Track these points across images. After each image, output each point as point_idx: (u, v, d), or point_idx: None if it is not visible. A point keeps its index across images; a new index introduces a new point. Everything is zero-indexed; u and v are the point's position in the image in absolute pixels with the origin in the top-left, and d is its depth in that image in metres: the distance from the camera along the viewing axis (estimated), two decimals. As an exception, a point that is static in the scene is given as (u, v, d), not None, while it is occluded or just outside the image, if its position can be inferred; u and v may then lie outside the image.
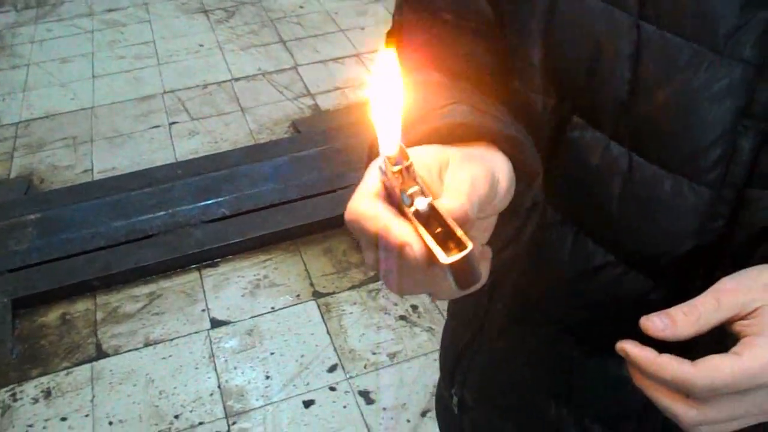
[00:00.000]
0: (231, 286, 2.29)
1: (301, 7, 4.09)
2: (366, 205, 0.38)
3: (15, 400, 1.97)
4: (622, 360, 0.49)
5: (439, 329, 2.05)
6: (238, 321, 2.17)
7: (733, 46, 0.45)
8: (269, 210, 2.48)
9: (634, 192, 0.52)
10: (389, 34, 0.64)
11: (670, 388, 0.46)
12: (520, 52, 0.56)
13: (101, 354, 2.09)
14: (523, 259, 0.62)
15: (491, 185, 0.40)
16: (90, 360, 2.08)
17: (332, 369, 2.00)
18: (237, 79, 3.42)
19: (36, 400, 1.97)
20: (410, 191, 0.38)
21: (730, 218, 0.50)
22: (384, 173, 0.39)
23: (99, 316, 2.21)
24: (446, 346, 0.83)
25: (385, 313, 2.15)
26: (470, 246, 0.36)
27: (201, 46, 3.74)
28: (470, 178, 0.39)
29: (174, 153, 2.92)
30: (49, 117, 3.22)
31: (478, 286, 0.40)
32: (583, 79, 0.52)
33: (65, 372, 2.04)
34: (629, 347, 0.48)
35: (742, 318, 0.46)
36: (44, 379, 2.02)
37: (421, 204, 0.38)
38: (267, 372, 2.01)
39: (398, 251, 0.37)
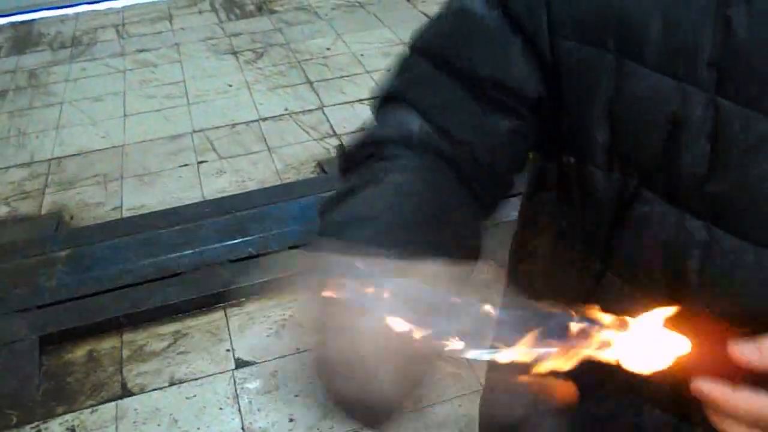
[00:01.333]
0: (256, 326, 2.29)
1: (328, 49, 4.16)
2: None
3: (40, 438, 1.98)
4: (698, 427, 0.48)
5: (465, 374, 2.03)
6: (263, 362, 2.16)
7: None
8: (295, 250, 2.49)
9: (714, 264, 0.51)
10: (387, 90, 0.61)
11: (749, 424, 0.45)
12: (579, 130, 0.55)
13: (126, 392, 2.09)
14: None
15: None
16: (115, 398, 2.08)
17: (357, 413, 1.98)
18: (264, 119, 3.47)
19: (61, 438, 1.97)
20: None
21: None
22: None
23: (125, 353, 2.22)
24: (492, 422, 0.80)
25: (410, 357, 2.14)
26: None
27: (230, 86, 3.81)
28: None
29: (202, 191, 2.96)
30: (81, 154, 3.29)
31: None
32: (656, 156, 0.51)
33: (90, 410, 2.05)
34: (704, 386, 0.47)
35: None
36: (69, 417, 2.03)
37: None
38: (291, 415, 2.00)
39: None
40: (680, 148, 0.50)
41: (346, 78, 3.81)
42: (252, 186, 2.96)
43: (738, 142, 0.48)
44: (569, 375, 0.67)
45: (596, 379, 0.64)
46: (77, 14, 4.92)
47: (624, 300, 0.59)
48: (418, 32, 0.62)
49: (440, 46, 0.60)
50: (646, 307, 0.58)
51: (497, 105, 0.57)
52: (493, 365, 0.78)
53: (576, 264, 0.60)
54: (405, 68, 0.62)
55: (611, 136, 0.54)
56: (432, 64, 0.59)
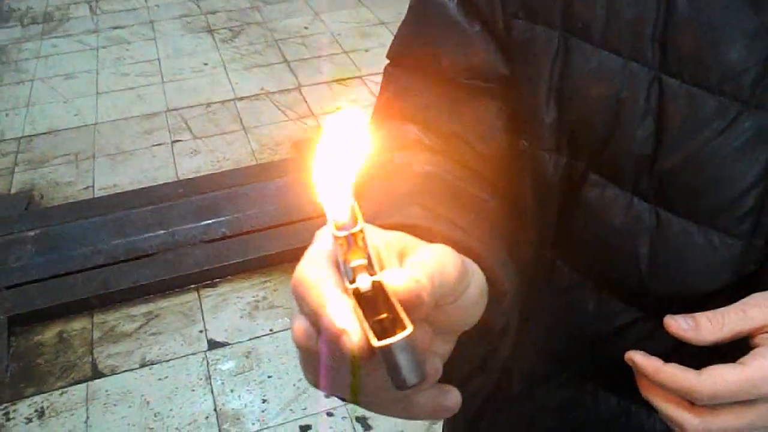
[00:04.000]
0: (229, 307, 2.27)
1: (306, 28, 4.11)
2: (312, 271, 0.33)
3: (8, 420, 1.95)
4: (653, 412, 0.48)
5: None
6: (236, 343, 2.15)
7: (759, 96, 0.45)
8: (269, 231, 2.47)
9: (663, 248, 0.51)
10: (378, 108, 0.61)
11: (676, 396, 0.47)
12: (530, 110, 0.55)
13: (97, 374, 2.07)
14: (543, 320, 0.61)
15: (461, 275, 0.34)
16: (85, 380, 2.05)
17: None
18: (240, 99, 3.43)
19: (29, 420, 1.95)
20: (354, 264, 0.32)
21: (761, 264, 0.50)
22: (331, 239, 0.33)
23: (96, 335, 2.20)
24: (452, 419, 0.80)
25: (384, 338, 2.14)
26: (410, 328, 0.30)
27: (205, 64, 3.76)
28: (437, 259, 0.33)
29: (176, 171, 2.92)
30: (52, 133, 3.22)
31: (431, 375, 0.34)
32: (602, 136, 0.51)
33: (60, 392, 2.02)
34: (636, 356, 0.49)
35: (766, 332, 0.46)
36: (38, 398, 2.00)
37: (363, 282, 0.31)
38: (264, 395, 1.99)
39: (333, 338, 0.31)
40: (626, 127, 0.50)
41: (323, 58, 3.77)
42: (227, 166, 2.93)
43: (683, 120, 0.47)
44: (521, 362, 0.67)
45: (554, 367, 0.64)
46: (49, -11, 4.80)
47: (574, 289, 0.58)
48: (393, 40, 0.63)
49: (409, 49, 0.61)
50: (597, 298, 0.57)
51: (472, 90, 0.57)
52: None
53: (529, 252, 0.59)
54: (387, 82, 0.62)
55: (558, 116, 0.53)
56: (408, 70, 0.60)
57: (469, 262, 0.38)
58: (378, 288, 0.32)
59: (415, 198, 0.47)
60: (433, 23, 0.59)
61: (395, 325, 0.31)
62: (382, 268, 0.33)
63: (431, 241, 0.37)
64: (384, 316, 0.31)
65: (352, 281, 0.32)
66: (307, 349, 0.34)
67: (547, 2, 0.52)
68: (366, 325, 0.30)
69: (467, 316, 0.38)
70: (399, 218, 0.42)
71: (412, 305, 0.31)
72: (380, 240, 0.35)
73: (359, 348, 0.30)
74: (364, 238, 0.32)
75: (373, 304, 0.31)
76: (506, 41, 0.55)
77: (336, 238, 0.32)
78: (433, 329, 0.34)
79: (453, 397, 0.36)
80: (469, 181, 0.54)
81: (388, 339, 0.30)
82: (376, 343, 0.30)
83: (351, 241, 0.32)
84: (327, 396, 0.43)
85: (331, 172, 0.32)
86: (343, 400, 0.39)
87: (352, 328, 0.30)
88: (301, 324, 0.33)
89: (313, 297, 0.32)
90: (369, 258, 0.32)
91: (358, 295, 0.32)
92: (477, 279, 0.38)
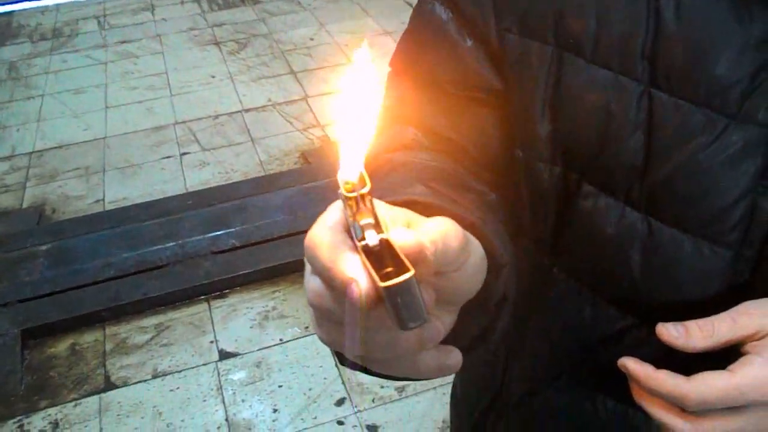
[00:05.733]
0: (239, 318, 2.29)
1: (312, 39, 4.14)
2: (322, 233, 0.35)
3: (22, 432, 1.97)
4: (650, 418, 0.50)
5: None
6: (247, 353, 2.17)
7: (746, 110, 0.46)
8: (278, 241, 2.49)
9: (655, 257, 0.52)
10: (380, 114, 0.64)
11: (666, 401, 0.48)
12: (524, 122, 0.56)
13: (109, 385, 2.09)
14: (540, 327, 0.62)
15: (463, 244, 0.37)
16: (98, 391, 2.07)
17: (340, 402, 1.99)
18: (247, 110, 3.46)
19: (43, 432, 1.97)
20: (363, 222, 0.34)
21: (751, 273, 0.50)
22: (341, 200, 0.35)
23: (108, 347, 2.22)
24: (460, 413, 0.82)
25: (394, 346, 2.14)
26: (412, 271, 0.33)
27: (213, 77, 3.79)
28: (442, 227, 0.36)
29: (185, 183, 2.95)
30: (62, 147, 3.26)
31: (431, 338, 0.36)
32: (594, 147, 0.52)
33: (73, 403, 2.04)
34: (629, 363, 0.50)
35: (756, 340, 0.47)
36: (52, 411, 2.02)
37: (371, 238, 0.34)
38: (275, 405, 2.00)
39: (342, 289, 0.33)
40: (617, 139, 0.51)
41: (329, 68, 3.79)
42: (235, 177, 2.95)
43: (672, 133, 0.49)
44: (520, 368, 0.68)
45: (552, 372, 0.65)
46: (58, 5, 4.87)
47: (570, 296, 0.59)
48: (395, 50, 0.65)
49: (408, 60, 0.63)
50: (593, 305, 0.59)
51: (469, 101, 0.59)
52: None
53: (525, 260, 0.60)
54: (389, 88, 0.64)
55: (552, 128, 0.55)
56: (407, 80, 0.62)
57: (469, 235, 0.40)
58: (385, 244, 0.34)
59: (418, 179, 0.49)
60: (429, 36, 0.60)
61: (399, 275, 0.33)
62: (387, 231, 0.35)
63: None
64: (390, 270, 0.33)
65: (361, 239, 0.34)
66: (319, 307, 0.36)
67: (540, 18, 0.53)
68: (373, 273, 0.33)
69: (469, 285, 0.40)
70: (403, 196, 0.44)
71: (415, 261, 0.33)
72: (386, 213, 0.37)
73: (367, 294, 0.32)
74: (371, 200, 0.35)
75: (380, 259, 0.34)
76: (500, 56, 0.57)
77: (346, 198, 0.34)
78: (437, 298, 0.36)
79: (455, 357, 0.39)
80: (469, 176, 0.56)
81: (391, 280, 0.32)
82: (381, 284, 0.32)
83: (360, 202, 0.34)
84: (342, 363, 0.45)
85: (344, 138, 0.35)
86: (355, 367, 0.41)
87: (360, 277, 0.33)
88: (313, 283, 0.36)
89: (324, 254, 0.34)
90: (376, 218, 0.35)
91: (367, 251, 0.34)
92: (477, 251, 0.40)
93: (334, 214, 0.36)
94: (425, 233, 0.34)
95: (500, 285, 0.47)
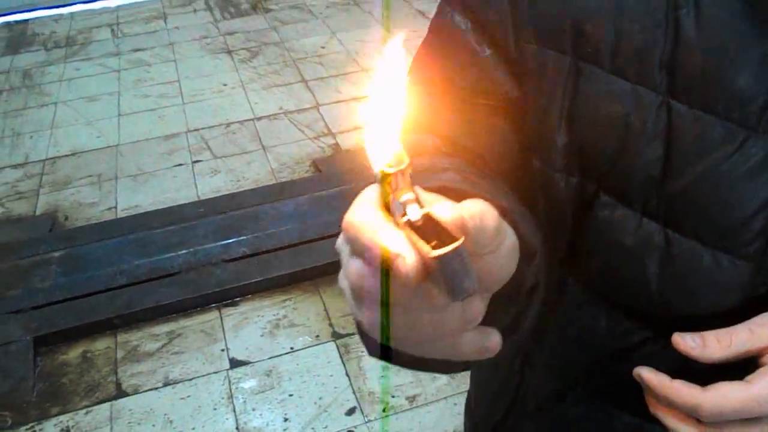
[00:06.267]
0: (250, 326, 2.29)
1: (323, 47, 4.16)
2: (362, 213, 0.35)
3: (34, 439, 1.98)
4: (666, 430, 0.49)
5: (460, 374, 2.03)
6: (258, 361, 2.17)
7: (766, 122, 0.46)
8: (289, 250, 2.49)
9: (672, 268, 0.52)
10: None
11: (682, 412, 0.47)
12: (542, 132, 0.56)
13: (121, 393, 2.09)
14: (555, 338, 0.62)
15: (499, 225, 0.36)
16: (109, 399, 2.08)
17: (351, 412, 1.99)
18: (259, 118, 3.47)
19: (55, 439, 1.97)
20: (404, 198, 0.34)
21: None
22: (378, 179, 0.35)
23: (119, 354, 2.22)
24: (474, 424, 0.81)
25: (405, 355, 2.14)
26: (462, 239, 0.32)
27: (224, 85, 3.81)
28: (477, 207, 0.35)
29: (196, 191, 2.96)
30: (75, 155, 3.28)
31: (473, 317, 0.36)
32: (611, 158, 0.52)
33: (84, 411, 2.05)
34: (644, 372, 0.50)
35: None
36: (63, 418, 2.03)
37: (414, 213, 0.34)
38: (285, 414, 2.00)
39: (388, 266, 0.33)
40: (635, 149, 0.51)
41: (341, 76, 3.80)
42: (247, 185, 2.96)
43: (691, 144, 0.48)
44: (535, 379, 0.67)
45: (567, 384, 0.64)
46: (72, 14, 4.91)
47: (586, 306, 0.59)
48: (413, 57, 0.65)
49: (427, 69, 0.63)
50: (608, 316, 0.58)
51: (487, 110, 0.59)
52: (478, 369, 0.79)
53: None
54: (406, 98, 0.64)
55: (569, 138, 0.54)
56: (426, 88, 0.62)
57: (502, 219, 0.40)
58: (427, 219, 0.34)
59: (449, 169, 0.49)
60: (448, 45, 0.60)
61: (445, 246, 0.33)
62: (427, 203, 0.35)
63: None
64: (434, 243, 0.33)
65: (403, 215, 0.34)
66: (362, 289, 0.36)
67: (558, 28, 0.53)
68: (423, 244, 0.32)
69: (503, 270, 0.39)
70: (435, 182, 0.44)
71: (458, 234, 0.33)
72: (421, 197, 0.37)
73: (414, 268, 0.32)
74: (411, 175, 0.35)
75: (424, 234, 0.33)
76: (518, 65, 0.57)
77: (386, 175, 0.34)
78: None
79: (494, 338, 0.39)
80: (491, 177, 0.55)
81: (443, 249, 0.32)
82: (433, 253, 0.32)
83: (400, 178, 0.34)
84: (371, 353, 0.45)
85: (379, 117, 0.35)
86: (384, 358, 0.41)
87: (406, 251, 0.32)
88: (353, 264, 0.35)
89: (366, 233, 0.34)
90: (416, 194, 0.35)
91: (410, 226, 0.34)
92: (510, 235, 0.40)
93: (369, 195, 0.36)
94: (464, 210, 0.34)
95: (531, 272, 0.47)
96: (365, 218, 0.34)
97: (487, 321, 0.39)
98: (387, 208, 0.35)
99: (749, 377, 0.46)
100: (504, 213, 0.42)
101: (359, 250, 0.34)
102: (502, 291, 0.41)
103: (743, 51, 0.45)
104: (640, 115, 0.50)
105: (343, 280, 0.38)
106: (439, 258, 0.32)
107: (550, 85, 0.54)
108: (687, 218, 0.51)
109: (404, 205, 0.34)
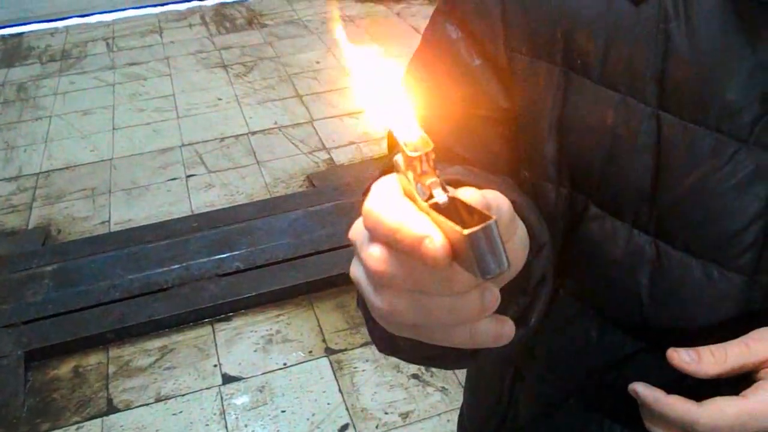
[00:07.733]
0: (243, 341, 2.28)
1: (318, 62, 4.18)
2: (382, 199, 0.34)
3: (24, 455, 1.96)
4: None
5: (453, 389, 2.03)
6: (250, 377, 2.16)
7: (757, 134, 0.46)
8: (283, 264, 2.49)
9: (663, 280, 0.52)
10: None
11: (677, 428, 0.47)
12: (531, 142, 0.56)
13: (112, 409, 2.08)
14: (547, 350, 0.62)
15: (513, 214, 0.37)
16: (101, 415, 2.06)
17: (344, 429, 1.98)
18: (254, 133, 3.47)
19: (45, 456, 1.96)
20: (428, 182, 0.34)
21: (765, 300, 0.50)
22: (400, 165, 0.35)
23: (111, 369, 2.21)
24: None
25: (398, 371, 2.13)
26: (494, 218, 0.32)
27: (219, 99, 3.82)
28: (494, 196, 0.35)
29: (190, 205, 2.96)
30: (69, 168, 3.28)
31: (491, 304, 0.35)
32: (601, 169, 0.52)
33: (75, 427, 2.03)
34: (639, 387, 0.50)
35: None
36: (54, 434, 2.01)
37: (440, 196, 0.34)
38: (278, 430, 1.99)
39: (415, 247, 0.32)
40: (624, 161, 0.51)
41: (335, 91, 3.82)
42: (241, 200, 2.96)
43: (681, 156, 0.48)
44: (528, 390, 0.67)
45: (559, 395, 0.64)
46: (67, 27, 4.92)
47: (577, 318, 0.59)
48: (406, 66, 0.65)
49: (419, 77, 0.63)
50: (599, 328, 0.58)
51: (478, 119, 0.59)
52: (471, 384, 0.79)
53: None
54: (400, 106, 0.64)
55: (559, 149, 0.55)
56: (417, 97, 0.61)
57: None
58: (453, 201, 0.34)
59: (455, 163, 0.49)
60: (439, 54, 0.61)
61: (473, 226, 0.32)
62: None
63: None
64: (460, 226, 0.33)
65: (428, 198, 0.34)
66: (383, 274, 0.35)
67: (548, 39, 0.53)
68: (452, 224, 0.32)
69: (516, 260, 0.39)
70: (445, 175, 0.44)
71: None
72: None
73: (443, 248, 0.31)
74: (435, 159, 0.34)
75: (450, 216, 0.33)
76: (508, 75, 0.57)
77: (411, 158, 0.34)
78: None
79: (509, 326, 0.38)
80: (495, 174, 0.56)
81: (475, 227, 0.31)
82: (465, 231, 0.31)
83: (424, 161, 0.34)
84: (380, 349, 0.44)
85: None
86: (396, 354, 0.42)
87: (433, 233, 0.32)
88: (373, 251, 0.35)
89: (389, 217, 0.33)
90: (439, 178, 0.34)
91: (437, 208, 0.33)
92: (521, 226, 0.40)
93: (387, 183, 0.35)
94: (485, 195, 0.34)
95: (539, 264, 0.47)
96: (387, 202, 0.34)
97: (497, 313, 0.39)
98: (407, 194, 0.35)
99: (745, 392, 0.46)
100: (513, 204, 0.42)
101: (382, 234, 0.34)
102: (511, 283, 0.41)
103: (733, 63, 0.46)
104: (630, 127, 0.50)
105: (357, 270, 0.37)
106: (472, 234, 0.31)
107: (540, 96, 0.54)
108: (678, 230, 0.51)
109: (430, 188, 0.34)
